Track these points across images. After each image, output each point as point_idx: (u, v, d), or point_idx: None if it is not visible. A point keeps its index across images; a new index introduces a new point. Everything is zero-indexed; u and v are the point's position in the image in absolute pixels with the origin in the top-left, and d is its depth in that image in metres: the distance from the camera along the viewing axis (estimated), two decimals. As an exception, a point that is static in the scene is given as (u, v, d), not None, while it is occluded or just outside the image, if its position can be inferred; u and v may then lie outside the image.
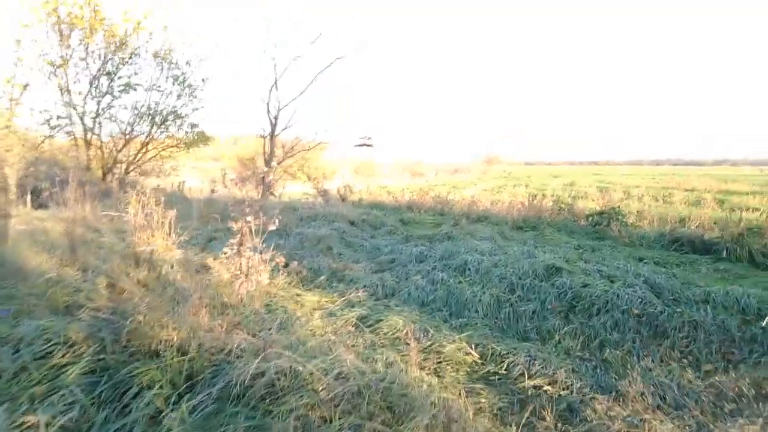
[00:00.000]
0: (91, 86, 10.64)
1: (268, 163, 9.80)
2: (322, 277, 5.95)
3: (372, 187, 21.64)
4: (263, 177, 10.18)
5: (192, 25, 14.93)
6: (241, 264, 4.64)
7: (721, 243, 6.83)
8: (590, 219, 9.17)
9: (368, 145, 35.79)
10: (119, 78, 11.04)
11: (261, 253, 4.95)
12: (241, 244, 4.68)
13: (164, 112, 11.79)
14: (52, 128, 10.39)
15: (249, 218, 4.71)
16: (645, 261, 6.49)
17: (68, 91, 10.39)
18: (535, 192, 21.25)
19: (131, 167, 11.76)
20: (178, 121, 12.04)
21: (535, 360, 3.65)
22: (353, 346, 3.94)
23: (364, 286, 5.63)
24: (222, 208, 11.78)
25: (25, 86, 9.71)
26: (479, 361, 3.78)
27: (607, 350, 3.93)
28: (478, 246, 7.10)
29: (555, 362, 3.62)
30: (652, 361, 3.74)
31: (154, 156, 12.27)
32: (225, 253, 4.66)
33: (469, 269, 5.92)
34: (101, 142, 11.19)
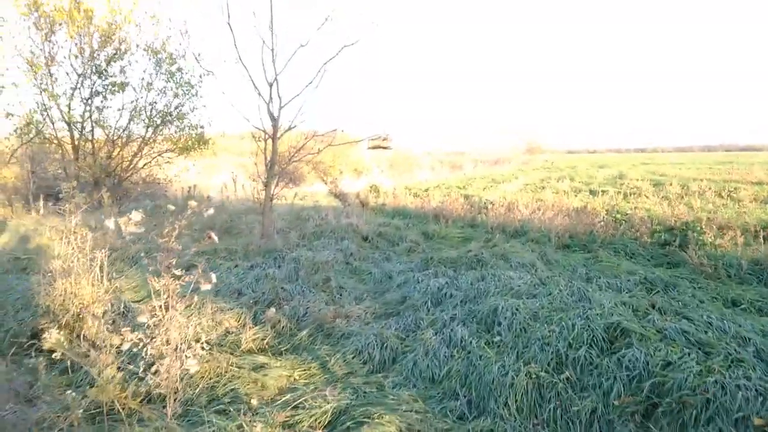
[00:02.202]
0: (76, 86, 9.55)
1: (269, 168, 8.46)
2: (303, 333, 4.55)
3: (402, 186, 20.13)
4: (265, 185, 8.85)
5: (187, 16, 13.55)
6: (168, 338, 3.25)
7: None
8: (657, 236, 7.42)
9: (384, 147, 33.32)
10: (111, 76, 9.94)
11: (198, 315, 3.58)
12: (166, 308, 3.29)
13: (163, 113, 10.63)
14: (35, 134, 9.33)
15: (177, 271, 3.31)
16: (742, 306, 4.80)
17: (53, 94, 9.34)
18: (580, 186, 19.33)
19: (126, 175, 10.67)
20: (179, 123, 10.87)
21: None
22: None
23: (357, 350, 4.20)
24: (227, 218, 10.59)
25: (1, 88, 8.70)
26: None
27: None
28: (512, 281, 5.54)
29: None
30: None
31: (148, 162, 11.13)
32: (144, 325, 3.28)
33: (500, 323, 4.39)
34: (93, 147, 10.12)
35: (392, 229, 9.42)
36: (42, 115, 9.39)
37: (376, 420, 3.08)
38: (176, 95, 10.59)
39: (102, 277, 4.24)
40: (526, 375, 3.47)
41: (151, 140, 10.82)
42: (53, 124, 9.59)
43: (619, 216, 8.69)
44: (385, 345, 4.22)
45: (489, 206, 11.11)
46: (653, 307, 4.57)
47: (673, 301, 4.85)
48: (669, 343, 3.74)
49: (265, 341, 4.42)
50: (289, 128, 8.85)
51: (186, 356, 3.13)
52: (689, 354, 3.50)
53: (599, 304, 4.52)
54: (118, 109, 10.41)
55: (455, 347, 4.09)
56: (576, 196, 15.10)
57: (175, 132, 10.88)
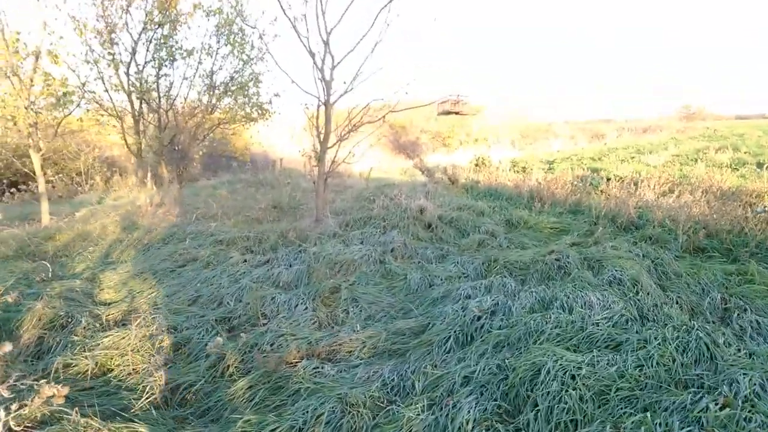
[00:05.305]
0: (134, 52, 9.00)
1: (323, 141, 7.17)
2: (241, 383, 3.15)
3: (515, 158, 17.83)
4: (318, 161, 7.62)
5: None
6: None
7: None
8: None
9: (456, 113, 29.95)
10: (170, 39, 9.27)
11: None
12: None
13: (230, 82, 9.80)
14: (76, 104, 8.96)
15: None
16: None
17: (113, 62, 8.90)
18: (746, 158, 15.41)
19: (190, 148, 10.04)
20: (250, 88, 9.94)
21: None
22: None
23: (295, 427, 2.70)
24: (295, 196, 9.64)
25: (56, 56, 8.36)
26: None
27: None
28: (590, 311, 3.62)
29: None
30: None
31: (210, 133, 10.37)
32: None
33: (536, 402, 2.62)
34: (159, 119, 9.61)
35: (470, 213, 7.64)
36: (96, 82, 9.00)
37: None
38: (242, 61, 9.66)
39: None
40: None
41: (214, 111, 10.04)
42: (108, 93, 9.19)
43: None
44: (341, 422, 2.69)
45: (602, 185, 8.71)
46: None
47: None
48: None
49: (191, 392, 3.13)
50: (345, 92, 7.45)
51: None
52: None
53: (732, 384, 2.53)
54: (185, 78, 9.77)
55: (447, 445, 2.44)
56: (737, 171, 11.82)
57: (237, 101, 9.97)
